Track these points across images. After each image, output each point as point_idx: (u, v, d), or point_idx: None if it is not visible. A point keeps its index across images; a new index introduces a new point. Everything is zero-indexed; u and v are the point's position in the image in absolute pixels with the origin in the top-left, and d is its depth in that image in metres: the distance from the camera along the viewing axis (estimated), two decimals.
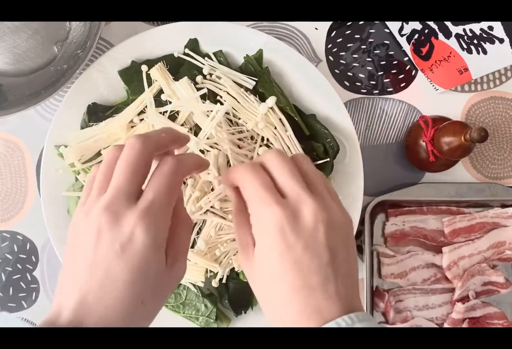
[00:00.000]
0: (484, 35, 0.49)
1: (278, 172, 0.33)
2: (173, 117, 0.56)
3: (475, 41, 0.50)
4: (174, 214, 0.36)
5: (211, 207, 0.55)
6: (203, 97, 0.55)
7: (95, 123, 0.56)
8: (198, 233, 0.56)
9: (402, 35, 0.60)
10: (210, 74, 0.56)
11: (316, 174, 0.34)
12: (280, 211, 0.31)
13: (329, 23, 0.62)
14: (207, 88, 0.55)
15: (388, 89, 0.62)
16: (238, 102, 0.55)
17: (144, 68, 0.56)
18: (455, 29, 0.51)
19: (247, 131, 0.56)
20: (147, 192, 0.33)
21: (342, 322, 0.31)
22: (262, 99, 0.55)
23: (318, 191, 0.33)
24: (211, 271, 0.56)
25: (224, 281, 0.56)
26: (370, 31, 0.62)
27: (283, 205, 0.31)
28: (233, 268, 0.56)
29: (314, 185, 0.33)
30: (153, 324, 0.58)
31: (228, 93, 0.55)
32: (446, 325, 0.59)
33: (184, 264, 0.37)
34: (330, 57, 0.62)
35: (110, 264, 0.32)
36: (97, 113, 0.57)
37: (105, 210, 0.32)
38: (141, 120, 0.56)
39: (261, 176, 0.33)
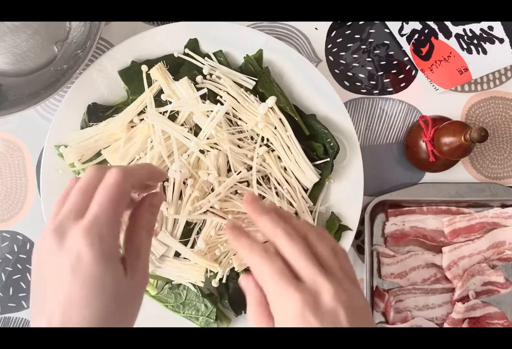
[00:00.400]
0: (484, 35, 0.49)
1: (291, 255, 0.33)
2: (173, 117, 0.56)
3: (475, 41, 0.50)
4: (132, 223, 0.36)
5: (211, 207, 0.55)
6: (203, 97, 0.55)
7: (95, 123, 0.56)
8: (198, 233, 0.56)
9: (402, 35, 0.60)
10: (210, 74, 0.56)
11: (331, 255, 0.34)
12: (299, 297, 0.31)
13: (329, 23, 0.62)
14: (207, 88, 0.55)
15: (388, 89, 0.62)
16: (238, 102, 0.55)
17: (144, 68, 0.56)
18: (455, 29, 0.51)
19: (247, 131, 0.56)
20: (91, 207, 0.34)
21: None
22: (262, 99, 0.55)
23: (334, 272, 0.33)
24: (211, 271, 0.56)
25: (224, 281, 0.56)
26: (370, 31, 0.62)
27: (302, 291, 0.31)
28: (233, 268, 0.56)
29: (329, 266, 0.33)
30: (153, 324, 0.58)
31: (228, 93, 0.55)
32: (446, 325, 0.59)
33: (144, 271, 0.37)
34: (330, 57, 0.62)
35: (67, 285, 0.32)
36: (97, 113, 0.57)
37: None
38: (141, 120, 0.56)
39: (275, 263, 0.32)
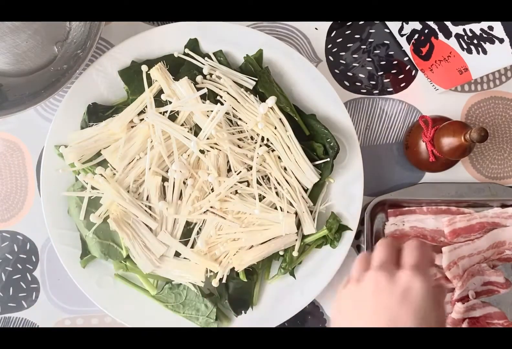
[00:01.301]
0: (484, 35, 0.49)
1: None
2: (173, 117, 0.56)
3: (475, 41, 0.50)
4: None
5: (211, 207, 0.55)
6: (203, 97, 0.55)
7: (95, 123, 0.56)
8: (198, 233, 0.56)
9: (402, 35, 0.60)
10: (210, 74, 0.56)
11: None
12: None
13: (329, 23, 0.62)
14: (207, 88, 0.55)
15: (388, 89, 0.62)
16: (238, 102, 0.55)
17: (144, 68, 0.56)
18: (455, 29, 0.51)
19: (247, 131, 0.56)
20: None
21: None
22: (262, 99, 0.55)
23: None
24: (211, 271, 0.56)
25: (224, 281, 0.56)
26: (370, 31, 0.62)
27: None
28: (233, 268, 0.56)
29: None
30: (153, 324, 0.58)
31: (228, 93, 0.55)
32: (446, 325, 0.59)
33: None
34: (330, 57, 0.62)
35: (396, 310, 0.40)
36: (97, 113, 0.57)
37: (379, 270, 0.43)
38: (141, 120, 0.56)
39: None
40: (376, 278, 0.42)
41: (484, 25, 0.48)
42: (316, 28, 0.62)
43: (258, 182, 0.55)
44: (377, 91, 0.62)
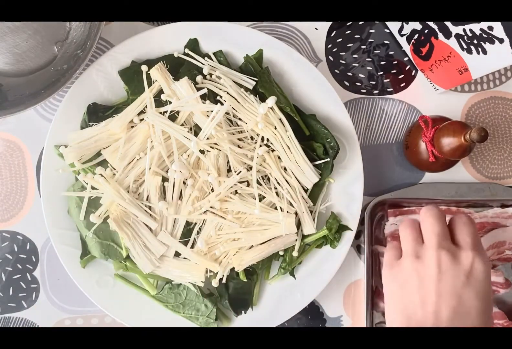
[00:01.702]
0: (484, 35, 0.49)
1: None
2: (173, 117, 0.56)
3: (475, 41, 0.50)
4: None
5: (211, 207, 0.55)
6: (203, 97, 0.55)
7: (95, 123, 0.56)
8: (198, 233, 0.56)
9: (402, 35, 0.60)
10: (210, 74, 0.56)
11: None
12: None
13: (329, 23, 0.62)
14: (207, 88, 0.55)
15: (388, 89, 0.62)
16: (238, 102, 0.55)
17: (144, 68, 0.56)
18: (455, 29, 0.51)
19: (247, 131, 0.56)
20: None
21: None
22: (262, 99, 0.55)
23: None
24: (211, 271, 0.56)
25: (224, 281, 0.56)
26: (370, 31, 0.62)
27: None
28: (233, 268, 0.56)
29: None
30: (153, 324, 0.58)
31: (228, 93, 0.55)
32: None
33: None
34: (330, 57, 0.62)
35: (461, 293, 0.40)
36: (97, 113, 0.57)
37: (440, 249, 0.43)
38: (141, 120, 0.56)
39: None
40: (439, 257, 0.42)
41: (484, 25, 0.48)
42: (316, 28, 0.62)
43: (258, 182, 0.55)
44: (377, 91, 0.62)
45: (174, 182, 0.55)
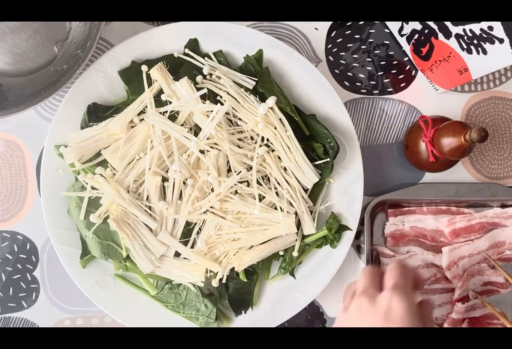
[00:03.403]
0: (484, 35, 0.49)
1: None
2: (173, 117, 0.56)
3: (475, 41, 0.50)
4: None
5: (211, 207, 0.55)
6: (203, 97, 0.55)
7: (95, 123, 0.56)
8: (198, 233, 0.56)
9: (402, 35, 0.60)
10: (210, 74, 0.56)
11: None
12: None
13: (329, 23, 0.62)
14: (207, 88, 0.55)
15: (388, 89, 0.62)
16: (238, 102, 0.55)
17: (144, 68, 0.56)
18: (455, 29, 0.51)
19: (247, 131, 0.56)
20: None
21: None
22: (262, 99, 0.55)
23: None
24: (211, 271, 0.56)
25: (224, 281, 0.56)
26: (370, 31, 0.62)
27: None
28: (233, 268, 0.56)
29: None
30: (153, 324, 0.58)
31: (228, 93, 0.55)
32: (446, 325, 0.59)
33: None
34: (330, 57, 0.62)
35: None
36: (97, 113, 0.57)
37: (360, 296, 0.45)
38: (141, 120, 0.56)
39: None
40: (358, 303, 0.44)
41: (484, 25, 0.48)
42: (316, 28, 0.62)
43: (258, 182, 0.55)
44: (377, 91, 0.62)
45: (174, 182, 0.55)
